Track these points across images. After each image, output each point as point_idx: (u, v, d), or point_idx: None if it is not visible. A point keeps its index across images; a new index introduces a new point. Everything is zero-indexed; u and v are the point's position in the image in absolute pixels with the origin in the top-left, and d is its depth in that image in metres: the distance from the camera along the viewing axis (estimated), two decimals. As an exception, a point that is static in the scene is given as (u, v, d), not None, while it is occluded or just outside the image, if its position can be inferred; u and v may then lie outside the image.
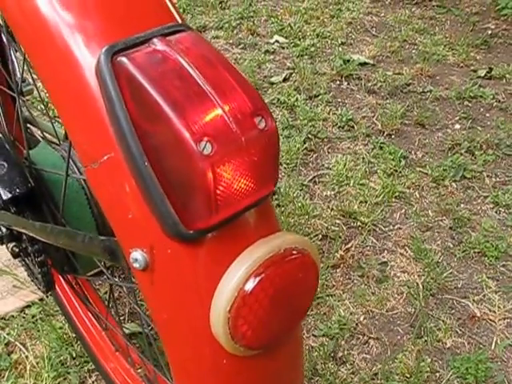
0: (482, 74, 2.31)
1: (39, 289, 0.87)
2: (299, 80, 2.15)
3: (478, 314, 1.33)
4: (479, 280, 1.41)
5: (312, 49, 2.38)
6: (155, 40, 0.48)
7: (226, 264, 0.48)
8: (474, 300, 1.36)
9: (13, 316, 1.30)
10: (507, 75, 2.30)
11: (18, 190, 0.74)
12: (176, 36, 0.50)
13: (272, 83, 2.15)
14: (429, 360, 1.21)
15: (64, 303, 1.12)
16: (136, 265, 0.50)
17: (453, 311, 1.33)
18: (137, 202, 0.48)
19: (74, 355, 1.20)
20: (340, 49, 2.42)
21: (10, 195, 0.74)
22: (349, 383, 1.16)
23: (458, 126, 1.97)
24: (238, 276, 0.47)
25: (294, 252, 0.50)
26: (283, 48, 2.42)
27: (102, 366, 1.04)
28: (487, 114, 2.05)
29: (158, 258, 0.49)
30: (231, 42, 2.46)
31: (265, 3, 2.83)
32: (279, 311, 0.51)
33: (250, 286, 0.47)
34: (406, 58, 2.39)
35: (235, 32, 2.54)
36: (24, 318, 1.29)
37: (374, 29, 2.64)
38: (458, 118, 2.01)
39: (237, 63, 2.28)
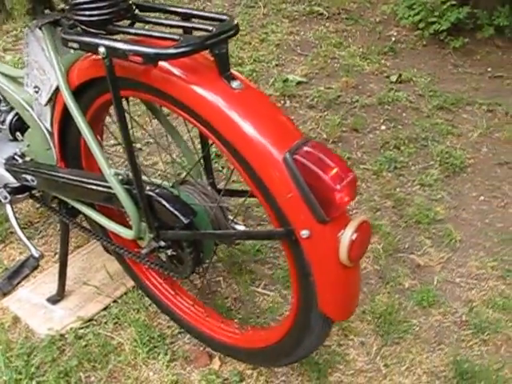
0: (394, 79, 3.16)
1: (179, 275, 1.57)
2: (252, 104, 2.90)
3: (422, 264, 2.13)
4: (419, 240, 2.22)
5: (254, 74, 3.14)
6: (303, 146, 1.23)
7: (342, 228, 1.25)
8: (418, 254, 2.16)
9: (100, 316, 1.94)
10: (413, 78, 3.16)
11: (190, 217, 1.43)
12: (309, 143, 1.25)
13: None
14: (396, 296, 2.00)
15: (157, 294, 1.81)
16: (304, 236, 1.25)
17: (405, 264, 2.13)
18: (305, 210, 1.23)
19: (158, 334, 1.87)
20: (275, 71, 3.19)
21: (188, 220, 1.43)
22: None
23: (383, 127, 2.79)
24: (350, 233, 1.24)
25: (366, 221, 1.28)
26: (228, 75, 3.16)
27: (196, 328, 1.74)
28: (404, 114, 2.89)
29: (314, 232, 1.24)
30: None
31: (199, 33, 3.55)
32: (362, 246, 1.29)
33: (354, 236, 1.24)
34: (332, 72, 3.20)
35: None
36: (109, 315, 1.93)
37: (299, 47, 3.44)
38: (382, 120, 2.84)
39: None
